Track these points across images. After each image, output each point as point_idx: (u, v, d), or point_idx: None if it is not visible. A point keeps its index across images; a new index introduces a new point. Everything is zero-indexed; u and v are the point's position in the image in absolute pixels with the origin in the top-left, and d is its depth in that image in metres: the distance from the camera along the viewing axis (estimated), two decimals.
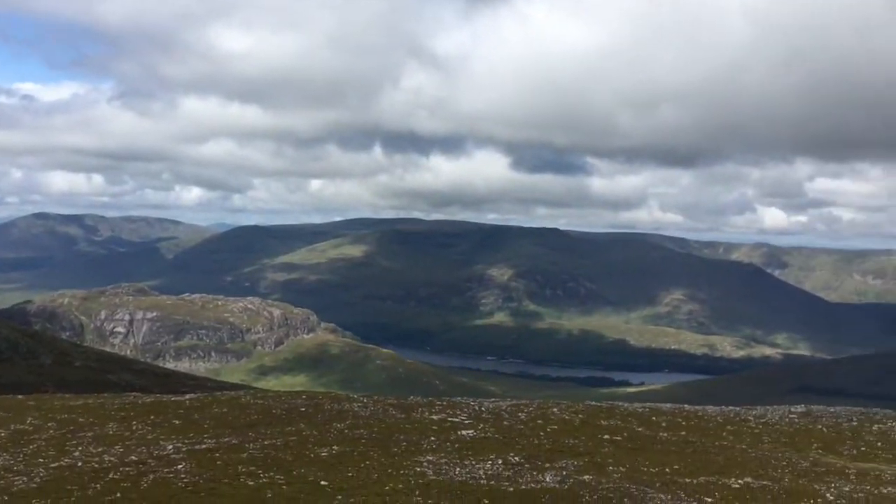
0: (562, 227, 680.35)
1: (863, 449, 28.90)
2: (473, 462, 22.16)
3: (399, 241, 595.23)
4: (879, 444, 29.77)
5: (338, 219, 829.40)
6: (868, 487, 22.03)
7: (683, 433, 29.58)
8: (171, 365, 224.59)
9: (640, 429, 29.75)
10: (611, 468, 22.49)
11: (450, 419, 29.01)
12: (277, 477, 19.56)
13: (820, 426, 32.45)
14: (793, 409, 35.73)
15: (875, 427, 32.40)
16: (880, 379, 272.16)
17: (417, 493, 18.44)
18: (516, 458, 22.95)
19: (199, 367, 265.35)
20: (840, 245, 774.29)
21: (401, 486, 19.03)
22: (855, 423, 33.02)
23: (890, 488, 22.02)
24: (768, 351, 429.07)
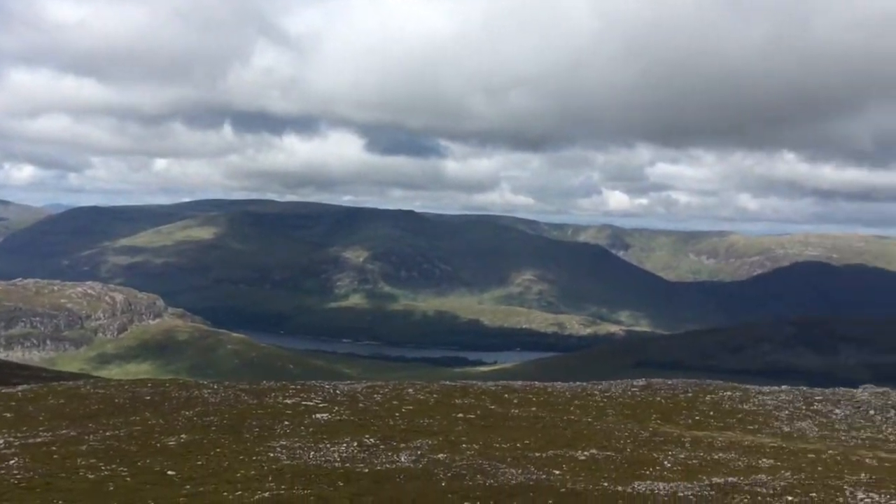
0: (417, 210, 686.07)
1: (697, 418, 30.81)
2: (328, 445, 21.96)
3: (252, 223, 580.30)
4: (711, 413, 31.83)
5: (186, 200, 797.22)
6: (701, 454, 23.47)
7: (534, 409, 30.51)
8: (1, 355, 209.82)
9: (492, 406, 30.43)
10: (464, 446, 22.86)
11: (304, 403, 28.62)
12: (121, 469, 18.65)
13: (659, 398, 34.30)
14: (634, 383, 37.54)
15: (708, 397, 34.59)
16: (713, 352, 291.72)
17: (270, 478, 18.07)
18: (371, 440, 22.93)
19: (34, 357, 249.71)
20: (678, 227, 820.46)
21: (253, 472, 18.59)
22: (690, 395, 35.12)
23: (721, 454, 23.55)
24: (613, 328, 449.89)
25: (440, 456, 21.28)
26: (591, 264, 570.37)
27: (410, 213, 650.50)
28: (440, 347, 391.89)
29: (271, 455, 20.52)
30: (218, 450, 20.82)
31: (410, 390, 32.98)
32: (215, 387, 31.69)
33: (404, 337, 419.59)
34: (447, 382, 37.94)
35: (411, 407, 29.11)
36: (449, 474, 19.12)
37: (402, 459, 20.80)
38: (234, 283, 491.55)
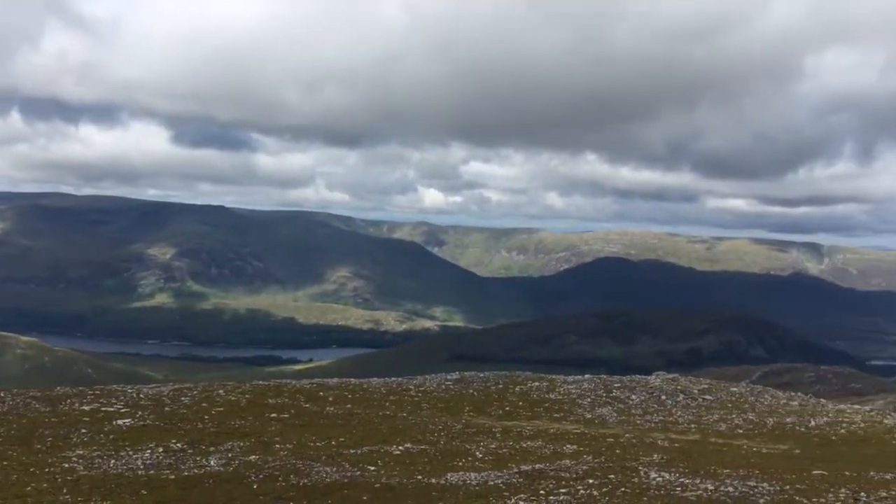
0: (227, 205, 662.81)
1: (507, 409, 31.87)
2: (131, 452, 20.73)
3: (44, 218, 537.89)
4: (521, 403, 33.04)
5: None
6: (511, 443, 24.29)
7: (349, 406, 30.35)
8: None
9: (307, 405, 29.97)
10: (278, 446, 22.35)
11: (104, 409, 26.87)
12: None
13: (472, 391, 35.17)
14: (448, 377, 38.28)
15: (517, 388, 35.89)
16: (524, 345, 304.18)
17: (65, 490, 16.80)
18: (179, 445, 21.90)
19: None
20: (490, 224, 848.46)
21: (45, 484, 17.20)
22: (501, 386, 36.27)
23: (529, 442, 24.48)
24: (428, 323, 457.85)
25: (252, 458, 20.66)
26: (406, 261, 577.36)
27: (221, 208, 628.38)
28: (253, 346, 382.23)
29: (66, 466, 19.07)
30: (5, 462, 19.07)
31: (221, 391, 31.82)
32: (2, 395, 29.05)
33: (215, 336, 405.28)
34: (260, 382, 36.95)
35: (222, 409, 28.09)
36: (261, 476, 18.59)
37: (212, 463, 20.00)
38: (23, 282, 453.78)
